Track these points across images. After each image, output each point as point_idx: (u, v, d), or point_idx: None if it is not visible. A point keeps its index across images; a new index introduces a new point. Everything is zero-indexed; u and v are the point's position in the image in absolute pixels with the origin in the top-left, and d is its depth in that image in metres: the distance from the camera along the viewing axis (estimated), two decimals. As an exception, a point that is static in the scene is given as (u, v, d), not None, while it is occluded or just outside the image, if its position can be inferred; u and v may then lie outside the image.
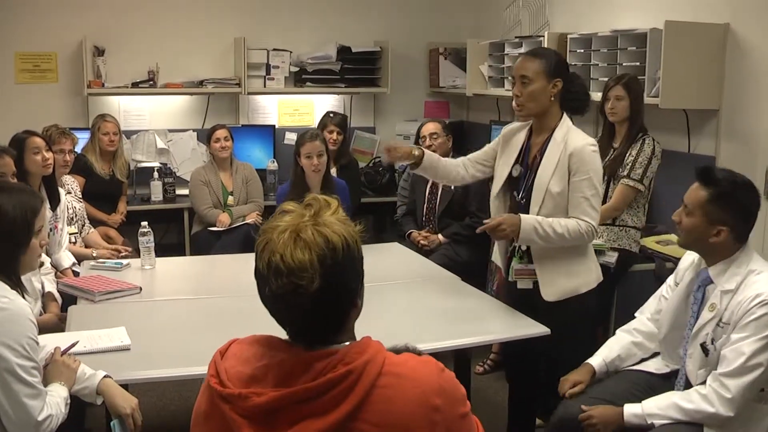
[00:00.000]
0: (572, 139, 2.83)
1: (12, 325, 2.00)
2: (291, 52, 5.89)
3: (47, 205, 3.62)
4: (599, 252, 3.41)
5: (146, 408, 2.60)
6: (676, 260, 3.61)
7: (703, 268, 2.47)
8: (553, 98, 2.84)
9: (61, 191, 3.88)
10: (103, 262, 3.70)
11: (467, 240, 4.45)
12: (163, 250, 4.48)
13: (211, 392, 1.38)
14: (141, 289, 3.26)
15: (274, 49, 5.84)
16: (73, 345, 2.39)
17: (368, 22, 6.13)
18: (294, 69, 5.91)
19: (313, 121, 5.92)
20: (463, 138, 6.07)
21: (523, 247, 2.94)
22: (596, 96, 3.88)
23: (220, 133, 5.07)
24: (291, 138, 5.95)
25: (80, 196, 4.40)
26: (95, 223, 4.67)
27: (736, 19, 3.74)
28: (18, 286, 2.15)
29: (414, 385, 1.34)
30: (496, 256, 3.16)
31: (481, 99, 5.86)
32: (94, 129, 5.09)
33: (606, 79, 3.98)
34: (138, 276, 3.52)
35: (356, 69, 5.98)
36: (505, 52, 5.18)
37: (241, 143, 5.46)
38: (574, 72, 2.99)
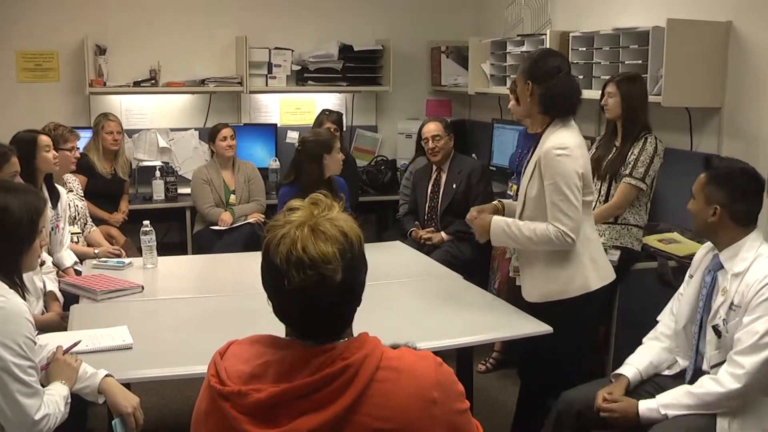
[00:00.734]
0: (546, 142, 2.82)
1: (8, 324, 2.00)
2: (293, 50, 5.88)
3: (49, 205, 3.62)
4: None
5: (148, 407, 2.59)
6: (678, 258, 3.63)
7: (715, 254, 2.54)
8: (529, 100, 2.85)
9: (63, 190, 3.87)
10: (105, 261, 3.71)
11: (470, 238, 4.44)
12: (165, 249, 4.48)
13: (211, 391, 1.39)
14: (143, 288, 3.26)
15: (276, 48, 5.83)
16: (75, 344, 2.39)
17: (370, 21, 6.13)
18: (296, 68, 5.91)
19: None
20: (465, 137, 6.07)
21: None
22: (598, 95, 3.87)
23: (227, 132, 5.07)
24: (293, 137, 5.95)
25: (82, 195, 4.40)
26: (97, 222, 4.67)
27: (738, 17, 3.73)
28: (18, 286, 2.15)
29: (412, 379, 1.36)
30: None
31: (483, 97, 5.86)
32: (97, 128, 5.08)
33: (608, 77, 3.97)
34: (140, 275, 3.52)
35: (358, 67, 5.98)
36: (507, 50, 5.17)
37: (242, 142, 5.46)
38: (565, 72, 2.88)
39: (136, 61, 5.58)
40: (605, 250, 3.54)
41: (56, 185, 3.79)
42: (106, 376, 2.22)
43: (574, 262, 2.85)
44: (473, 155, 5.52)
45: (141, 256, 3.72)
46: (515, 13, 5.61)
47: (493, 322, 2.94)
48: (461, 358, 3.06)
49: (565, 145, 2.77)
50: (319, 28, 6.01)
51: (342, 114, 5.53)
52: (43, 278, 3.24)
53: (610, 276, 2.96)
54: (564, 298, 2.85)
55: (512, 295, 3.08)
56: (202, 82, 5.69)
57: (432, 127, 4.62)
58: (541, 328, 2.78)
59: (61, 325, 2.98)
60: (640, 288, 3.58)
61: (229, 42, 5.83)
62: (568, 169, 2.74)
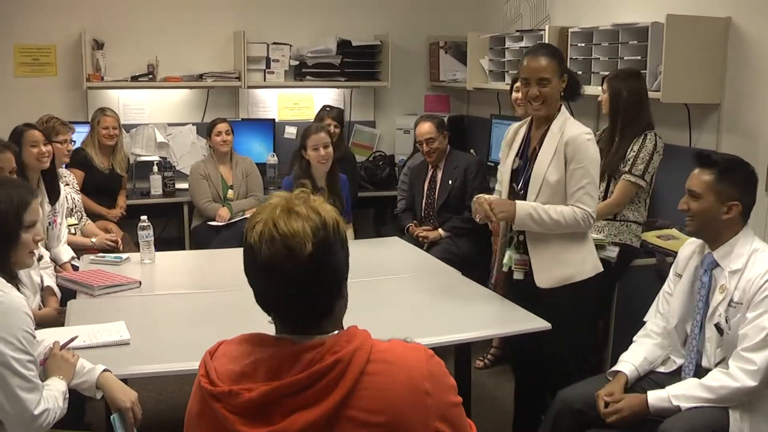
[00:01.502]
0: (568, 128, 2.89)
1: (7, 319, 1.99)
2: (291, 45, 5.88)
3: (45, 200, 3.61)
4: (600, 247, 3.40)
5: (146, 402, 2.59)
6: (676, 255, 3.62)
7: (707, 253, 2.53)
8: (562, 93, 2.92)
9: (60, 185, 3.86)
10: (103, 257, 3.70)
11: (467, 233, 4.45)
12: (163, 244, 4.47)
13: (202, 392, 1.39)
14: (140, 283, 3.26)
15: (274, 43, 5.83)
16: (73, 339, 2.39)
17: (368, 16, 6.12)
18: (294, 63, 5.90)
19: (313, 115, 5.90)
20: (464, 132, 6.06)
21: (520, 238, 2.97)
22: (598, 90, 3.87)
23: (222, 127, 5.06)
24: (291, 132, 5.95)
25: (78, 189, 4.39)
26: (94, 217, 4.67)
27: (737, 13, 3.73)
28: (14, 279, 2.14)
29: (403, 371, 1.35)
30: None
31: (482, 93, 5.85)
32: (93, 123, 5.07)
33: (607, 73, 3.97)
34: (137, 270, 3.51)
35: (356, 63, 5.97)
36: (506, 45, 5.17)
37: (240, 137, 5.45)
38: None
39: (133, 56, 5.56)
40: (604, 246, 3.56)
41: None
42: (103, 371, 2.21)
43: (585, 245, 2.96)
44: (471, 151, 5.51)
45: (138, 251, 3.71)
46: (514, 9, 5.61)
47: (491, 318, 2.94)
48: (459, 354, 3.06)
49: (589, 130, 2.90)
50: (317, 23, 6.00)
51: (343, 110, 5.53)
52: (40, 273, 3.23)
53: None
54: (576, 281, 2.90)
55: (507, 287, 3.08)
56: (200, 77, 5.68)
57: (425, 129, 4.56)
58: (540, 324, 2.78)
59: (58, 320, 2.97)
60: (639, 284, 3.58)
61: (227, 37, 5.82)
62: (595, 153, 2.89)
